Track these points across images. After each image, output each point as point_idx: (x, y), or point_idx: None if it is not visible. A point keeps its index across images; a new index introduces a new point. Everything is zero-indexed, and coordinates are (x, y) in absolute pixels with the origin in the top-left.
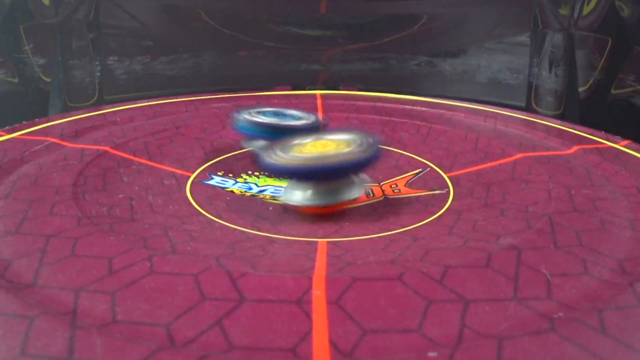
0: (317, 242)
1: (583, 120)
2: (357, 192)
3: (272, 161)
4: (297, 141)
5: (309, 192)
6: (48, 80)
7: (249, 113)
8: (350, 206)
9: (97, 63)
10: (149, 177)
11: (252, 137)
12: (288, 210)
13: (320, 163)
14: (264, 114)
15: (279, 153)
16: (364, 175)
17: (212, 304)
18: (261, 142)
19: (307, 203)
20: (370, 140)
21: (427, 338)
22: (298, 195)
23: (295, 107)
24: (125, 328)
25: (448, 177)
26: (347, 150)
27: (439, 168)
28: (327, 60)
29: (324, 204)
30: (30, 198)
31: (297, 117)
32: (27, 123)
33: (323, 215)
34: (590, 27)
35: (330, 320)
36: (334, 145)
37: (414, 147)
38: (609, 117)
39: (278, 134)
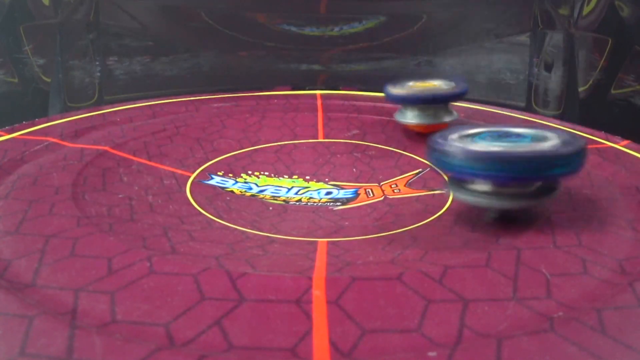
0: (316, 241)
1: (583, 120)
2: (450, 117)
3: (396, 92)
4: (410, 83)
5: (415, 114)
6: (48, 80)
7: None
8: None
9: (97, 63)
10: (148, 177)
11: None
12: (288, 210)
13: (430, 92)
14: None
15: (398, 87)
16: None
17: (212, 304)
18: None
19: (414, 121)
20: (461, 83)
21: (426, 338)
22: (408, 115)
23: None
24: (124, 328)
25: (448, 177)
26: (446, 87)
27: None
28: (327, 60)
29: (427, 123)
30: (29, 198)
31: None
32: (27, 123)
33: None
34: (590, 27)
35: (330, 320)
36: (436, 84)
37: (414, 147)
38: (609, 117)
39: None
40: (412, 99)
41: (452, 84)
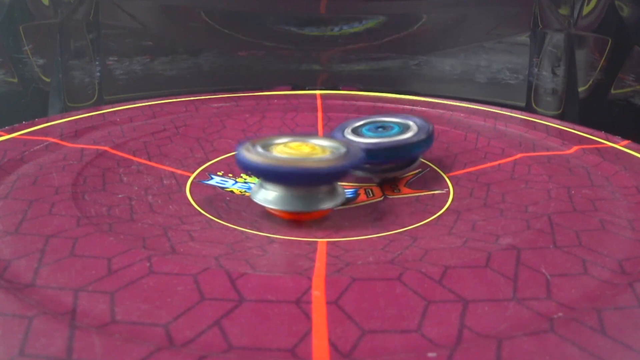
0: (316, 242)
1: (583, 120)
2: (328, 204)
3: (246, 156)
4: (284, 140)
5: (275, 194)
6: (48, 80)
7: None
8: (318, 217)
9: (96, 63)
10: (148, 177)
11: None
12: None
13: (287, 166)
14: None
15: (259, 149)
16: (340, 187)
17: (211, 304)
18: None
19: (270, 206)
20: (354, 150)
21: (426, 338)
22: (262, 195)
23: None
24: (124, 328)
25: (448, 177)
26: (322, 157)
27: (438, 168)
28: (327, 60)
29: (289, 209)
30: (29, 198)
31: (401, 128)
32: (27, 123)
33: (291, 220)
34: (590, 27)
35: (329, 320)
36: (318, 150)
37: None
38: (609, 117)
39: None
40: (269, 172)
41: (341, 150)
